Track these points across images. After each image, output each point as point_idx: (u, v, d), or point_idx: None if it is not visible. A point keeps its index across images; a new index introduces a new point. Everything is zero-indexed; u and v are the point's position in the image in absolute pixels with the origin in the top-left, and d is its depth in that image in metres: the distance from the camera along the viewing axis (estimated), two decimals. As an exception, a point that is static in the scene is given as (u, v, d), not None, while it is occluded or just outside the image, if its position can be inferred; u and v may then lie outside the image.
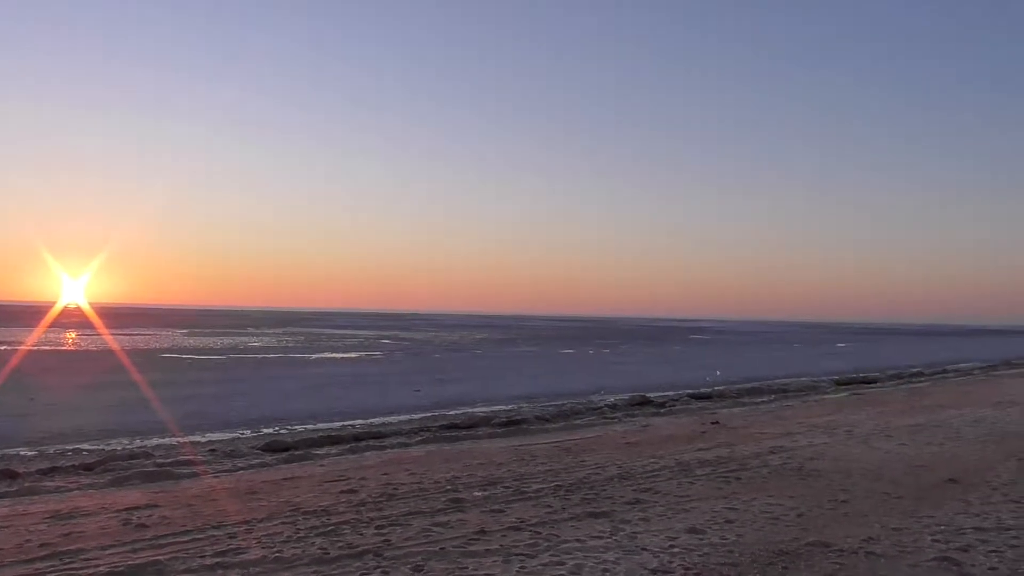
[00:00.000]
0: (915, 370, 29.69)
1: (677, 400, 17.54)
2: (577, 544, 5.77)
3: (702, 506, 7.06)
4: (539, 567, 5.22)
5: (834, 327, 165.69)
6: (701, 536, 6.03)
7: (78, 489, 8.17)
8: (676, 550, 5.64)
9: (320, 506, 7.01)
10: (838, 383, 23.16)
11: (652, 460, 9.48)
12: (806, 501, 7.30)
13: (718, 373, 27.26)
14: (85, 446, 11.05)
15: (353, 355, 36.04)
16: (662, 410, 15.86)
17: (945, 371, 30.14)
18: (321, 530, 6.15)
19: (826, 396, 19.23)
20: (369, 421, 14.07)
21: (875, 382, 24.08)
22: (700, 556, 5.50)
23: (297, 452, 10.56)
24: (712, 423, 13.26)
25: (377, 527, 6.25)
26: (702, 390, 20.02)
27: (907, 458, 9.69)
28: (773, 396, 19.15)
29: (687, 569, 5.21)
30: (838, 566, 5.31)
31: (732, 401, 17.89)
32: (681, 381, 23.44)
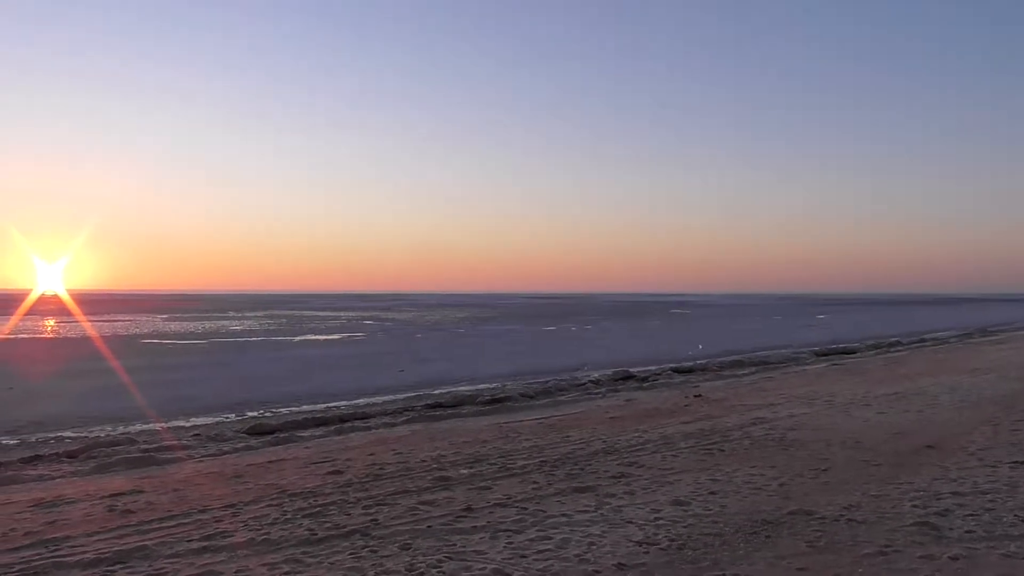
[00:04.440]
0: (893, 339, 30.07)
1: (660, 374, 17.65)
2: (563, 519, 5.82)
3: (686, 478, 7.14)
4: (526, 542, 5.26)
5: (813, 299, 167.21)
6: (685, 508, 6.10)
7: (62, 477, 8.12)
8: (661, 522, 5.70)
9: (306, 488, 7.01)
10: (818, 354, 23.42)
11: (636, 434, 9.56)
12: (788, 471, 7.40)
13: (700, 347, 27.45)
14: (67, 433, 10.96)
15: (336, 337, 35.93)
16: (645, 384, 15.97)
17: (923, 340, 30.57)
18: (308, 511, 6.16)
19: (806, 367, 19.44)
20: (354, 402, 14.06)
21: (854, 352, 24.37)
22: (685, 527, 5.57)
23: (282, 435, 10.54)
24: (694, 396, 13.37)
25: (364, 507, 6.27)
26: (684, 364, 20.17)
27: (886, 426, 9.84)
28: (754, 368, 19.33)
29: (672, 540, 5.27)
30: (820, 533, 5.39)
31: (714, 374, 18.05)
32: (663, 355, 23.58)
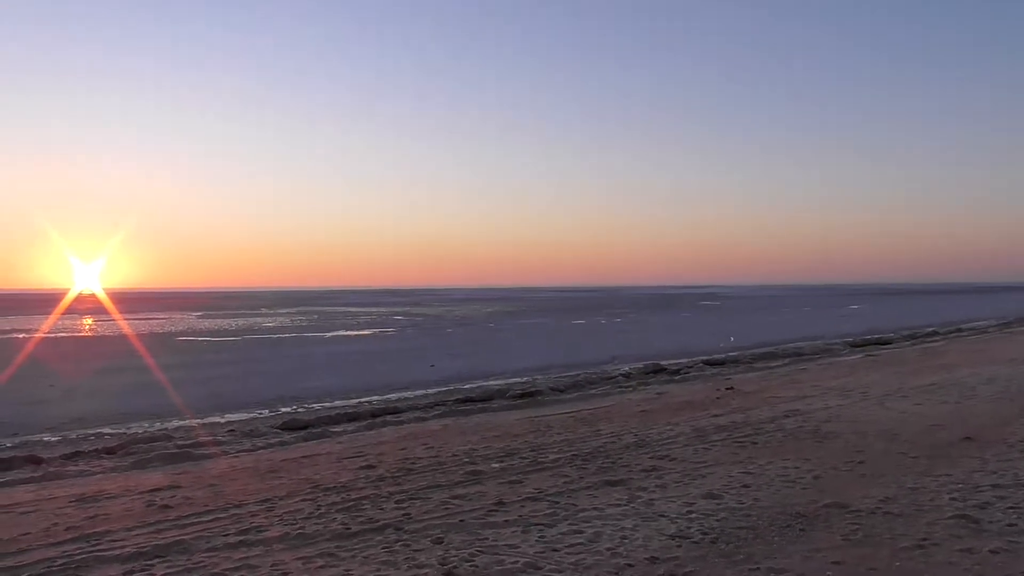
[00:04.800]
0: (929, 329, 29.57)
1: (691, 367, 17.54)
2: (595, 512, 5.82)
3: (718, 471, 7.09)
4: (558, 536, 5.27)
5: (845, 289, 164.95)
6: (718, 501, 6.06)
7: (101, 472, 8.28)
8: (694, 515, 5.67)
9: (340, 482, 7.08)
10: (852, 345, 23.10)
11: (668, 427, 9.51)
12: (822, 463, 7.31)
13: (731, 339, 27.22)
14: (106, 430, 11.18)
15: (366, 332, 36.19)
16: (676, 377, 15.88)
17: (960, 330, 30.01)
18: (341, 506, 6.22)
19: (840, 358, 19.19)
20: (385, 397, 14.16)
21: (889, 343, 24.01)
22: (718, 521, 5.54)
23: (315, 430, 10.65)
24: (726, 389, 13.27)
25: (397, 501, 6.32)
26: (715, 356, 20.00)
27: (922, 418, 9.68)
28: (787, 360, 19.13)
29: (705, 534, 5.24)
30: (856, 527, 5.33)
31: (746, 366, 17.88)
32: (694, 348, 23.43)
